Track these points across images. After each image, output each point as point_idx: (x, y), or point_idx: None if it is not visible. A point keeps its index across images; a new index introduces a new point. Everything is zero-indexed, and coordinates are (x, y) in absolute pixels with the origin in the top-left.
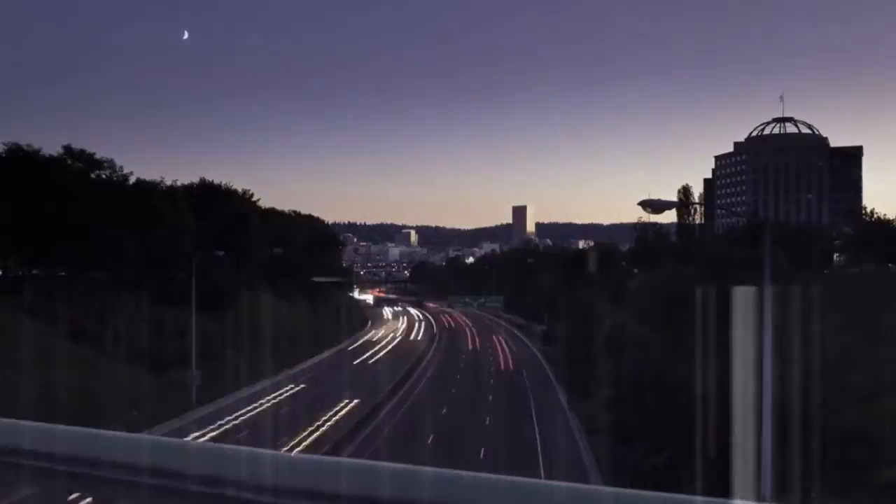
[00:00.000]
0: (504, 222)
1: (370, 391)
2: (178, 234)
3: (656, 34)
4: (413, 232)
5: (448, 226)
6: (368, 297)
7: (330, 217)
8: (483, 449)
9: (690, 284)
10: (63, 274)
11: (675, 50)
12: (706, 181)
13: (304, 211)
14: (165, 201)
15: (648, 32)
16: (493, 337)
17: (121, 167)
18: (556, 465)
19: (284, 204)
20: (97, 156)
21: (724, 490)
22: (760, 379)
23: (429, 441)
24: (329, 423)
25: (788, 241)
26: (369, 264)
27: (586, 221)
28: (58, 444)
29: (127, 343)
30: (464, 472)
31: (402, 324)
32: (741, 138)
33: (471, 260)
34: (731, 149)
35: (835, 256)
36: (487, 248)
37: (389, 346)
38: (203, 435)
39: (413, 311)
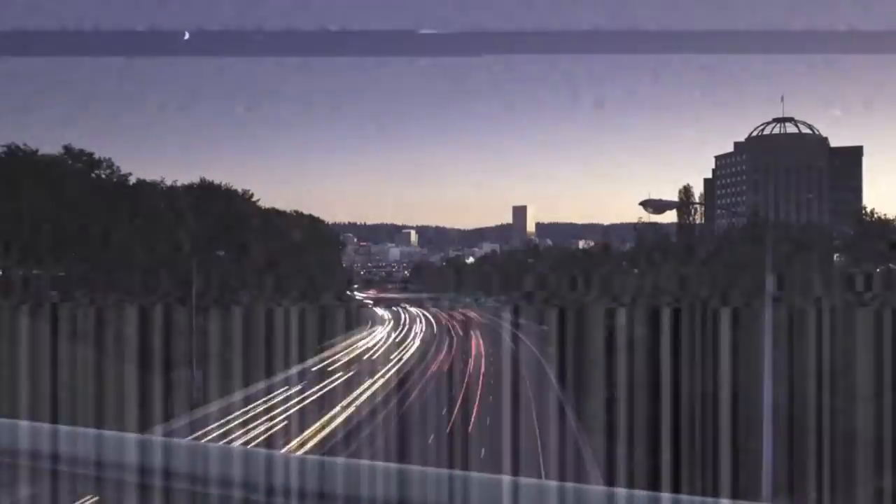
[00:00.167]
0: (504, 222)
1: None
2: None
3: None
4: (413, 232)
5: (448, 226)
6: (369, 297)
7: (330, 217)
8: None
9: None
10: (62, 274)
11: (675, 50)
12: (706, 181)
13: (305, 211)
14: (167, 202)
15: (648, 32)
16: (492, 336)
17: (118, 167)
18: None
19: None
20: (96, 156)
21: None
22: (760, 380)
23: None
24: None
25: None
26: (369, 264)
27: (586, 221)
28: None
29: (131, 344)
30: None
31: (402, 324)
32: (741, 138)
33: (471, 260)
34: (731, 149)
35: (835, 257)
36: (488, 248)
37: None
38: None
39: (414, 310)
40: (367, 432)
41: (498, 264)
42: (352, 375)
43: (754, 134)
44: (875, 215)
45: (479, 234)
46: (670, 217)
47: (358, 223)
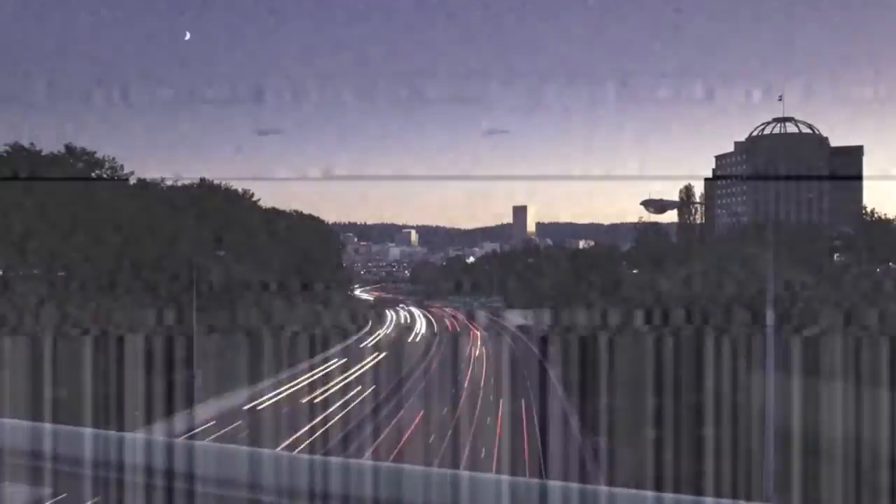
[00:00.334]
0: (504, 222)
1: None
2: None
3: (656, 33)
4: (413, 232)
5: (448, 226)
6: (369, 297)
7: (331, 217)
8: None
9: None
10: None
11: (675, 49)
12: (707, 181)
13: (305, 211)
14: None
15: (648, 32)
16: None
17: (121, 166)
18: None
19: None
20: (98, 154)
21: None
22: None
23: None
24: None
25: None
26: (369, 264)
27: (587, 221)
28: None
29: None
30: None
31: (402, 324)
32: (742, 138)
33: (471, 260)
34: (731, 149)
35: (835, 256)
36: (488, 247)
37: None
38: None
39: (414, 310)
40: None
41: (498, 264)
42: None
43: (755, 134)
44: (875, 215)
45: (480, 234)
46: (670, 217)
47: (358, 223)
